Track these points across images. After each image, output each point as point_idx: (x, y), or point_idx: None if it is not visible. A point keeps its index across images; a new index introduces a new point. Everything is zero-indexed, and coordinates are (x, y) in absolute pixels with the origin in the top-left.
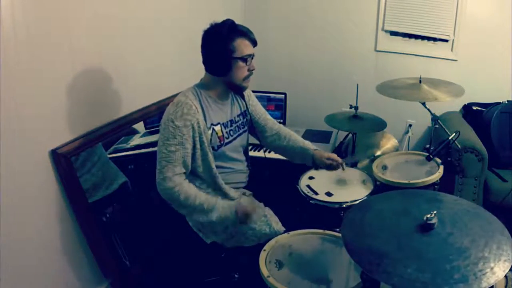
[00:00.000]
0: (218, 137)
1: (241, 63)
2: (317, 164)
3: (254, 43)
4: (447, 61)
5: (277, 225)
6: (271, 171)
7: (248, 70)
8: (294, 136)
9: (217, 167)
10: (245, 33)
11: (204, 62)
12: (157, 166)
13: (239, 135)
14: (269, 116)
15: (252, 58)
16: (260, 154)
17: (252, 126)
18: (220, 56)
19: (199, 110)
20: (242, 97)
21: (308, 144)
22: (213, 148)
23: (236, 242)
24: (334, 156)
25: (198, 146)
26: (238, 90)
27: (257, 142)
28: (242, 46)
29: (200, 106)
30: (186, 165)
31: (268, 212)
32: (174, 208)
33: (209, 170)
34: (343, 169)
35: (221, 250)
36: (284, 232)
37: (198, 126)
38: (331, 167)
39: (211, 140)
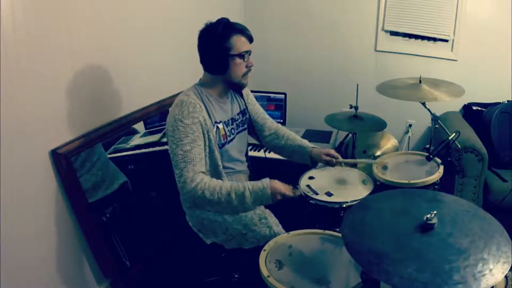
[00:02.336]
0: (221, 135)
1: (238, 60)
2: (315, 161)
3: (250, 39)
4: (447, 61)
5: (277, 227)
6: (271, 171)
7: (246, 66)
8: (292, 135)
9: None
10: (241, 29)
11: (202, 62)
12: (176, 172)
13: (238, 133)
14: (267, 116)
15: (250, 55)
16: (260, 154)
17: (251, 125)
18: (217, 54)
19: (203, 108)
20: (241, 95)
21: (305, 143)
22: (217, 146)
23: (236, 243)
24: (332, 151)
25: (207, 143)
26: (238, 88)
27: (257, 142)
28: (239, 43)
29: (203, 104)
30: (204, 162)
31: (269, 214)
32: (209, 210)
33: (216, 167)
34: (341, 165)
35: (221, 250)
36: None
37: (205, 124)
38: (329, 163)
39: (216, 138)
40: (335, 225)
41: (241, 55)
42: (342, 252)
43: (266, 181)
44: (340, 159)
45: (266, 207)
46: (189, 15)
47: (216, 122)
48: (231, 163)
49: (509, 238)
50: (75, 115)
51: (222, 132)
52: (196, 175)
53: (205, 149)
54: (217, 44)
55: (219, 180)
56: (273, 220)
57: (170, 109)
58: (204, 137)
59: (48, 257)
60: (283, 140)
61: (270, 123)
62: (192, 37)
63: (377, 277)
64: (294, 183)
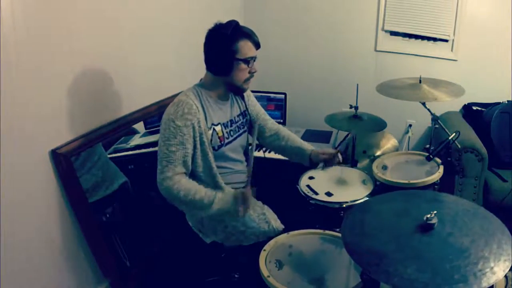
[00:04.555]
0: (219, 137)
1: (243, 65)
2: (314, 163)
3: (257, 45)
4: (447, 61)
5: (276, 222)
6: (271, 171)
7: (249, 72)
8: (292, 137)
9: (217, 167)
10: (249, 35)
11: (206, 61)
12: (158, 166)
13: (239, 135)
14: (268, 117)
15: (254, 61)
16: (260, 154)
17: (251, 126)
18: (222, 56)
19: (200, 109)
20: (242, 97)
21: (305, 145)
22: (213, 148)
23: (236, 241)
24: (328, 149)
25: (198, 146)
26: (238, 92)
27: (257, 142)
28: (246, 48)
29: (201, 105)
30: (187, 165)
31: (267, 210)
32: (176, 206)
33: (209, 169)
34: (340, 161)
35: (221, 250)
36: (283, 229)
37: (198, 126)
38: (328, 162)
39: (211, 140)
40: (335, 225)
41: (246, 61)
42: (342, 252)
43: (235, 191)
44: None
45: (264, 201)
46: (189, 15)
47: (213, 124)
48: (230, 163)
49: (510, 236)
50: (75, 115)
51: (220, 134)
52: (175, 175)
53: (196, 152)
54: (224, 46)
55: (196, 184)
56: (271, 216)
57: (168, 105)
58: (195, 140)
59: (48, 257)
60: (283, 141)
61: (271, 124)
62: (192, 37)
63: (377, 278)
64: (294, 183)
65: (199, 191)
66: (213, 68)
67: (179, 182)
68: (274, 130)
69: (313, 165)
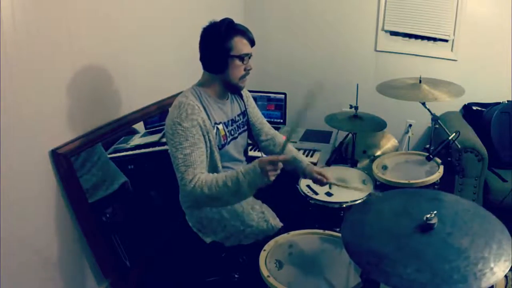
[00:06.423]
0: (221, 136)
1: (238, 62)
2: (306, 176)
3: (252, 42)
4: (447, 61)
5: (275, 220)
6: None
7: (245, 69)
8: (288, 146)
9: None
10: (244, 32)
11: (201, 60)
12: (177, 175)
13: (239, 134)
14: (265, 121)
15: (250, 58)
16: (258, 154)
17: (248, 127)
18: (217, 53)
19: (202, 109)
20: (241, 97)
21: (301, 157)
22: (217, 147)
23: (235, 240)
24: (324, 172)
25: (208, 144)
26: (235, 90)
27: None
28: (240, 45)
29: (201, 105)
30: (205, 164)
31: (265, 208)
32: (214, 206)
33: (215, 168)
34: (329, 187)
35: (221, 250)
36: (282, 228)
37: (204, 125)
38: (319, 181)
39: (215, 139)
40: (335, 225)
41: (241, 57)
42: (342, 252)
43: (255, 160)
44: (331, 180)
45: (263, 200)
46: (189, 15)
47: (215, 123)
48: (231, 163)
49: (510, 236)
50: (75, 115)
51: (222, 133)
52: (195, 176)
53: (206, 151)
54: (219, 43)
55: (214, 174)
56: (270, 214)
57: (169, 110)
58: (204, 139)
59: (48, 257)
60: (279, 148)
61: (267, 129)
62: (192, 37)
63: (376, 278)
64: (294, 183)
65: (220, 177)
66: (208, 66)
67: (199, 180)
68: (270, 135)
69: (304, 176)
